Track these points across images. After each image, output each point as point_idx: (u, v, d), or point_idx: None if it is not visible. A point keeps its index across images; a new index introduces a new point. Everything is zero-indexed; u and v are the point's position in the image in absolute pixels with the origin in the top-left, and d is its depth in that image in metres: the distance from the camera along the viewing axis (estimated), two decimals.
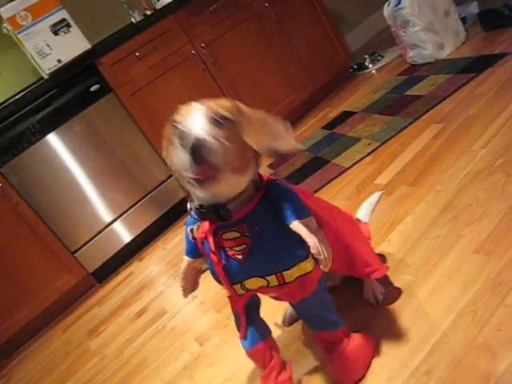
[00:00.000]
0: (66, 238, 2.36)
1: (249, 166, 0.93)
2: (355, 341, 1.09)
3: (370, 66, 3.17)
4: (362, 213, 1.49)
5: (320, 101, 3.12)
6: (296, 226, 0.93)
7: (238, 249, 0.97)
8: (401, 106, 2.29)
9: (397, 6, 2.49)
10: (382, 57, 3.17)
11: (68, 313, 2.38)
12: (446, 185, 1.55)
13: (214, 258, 0.98)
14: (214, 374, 1.39)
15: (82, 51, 2.28)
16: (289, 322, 1.38)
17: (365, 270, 1.15)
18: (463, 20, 2.65)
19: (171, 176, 2.61)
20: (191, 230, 1.02)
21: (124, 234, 2.51)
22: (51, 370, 1.98)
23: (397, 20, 2.56)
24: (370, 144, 2.13)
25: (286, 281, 0.98)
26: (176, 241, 2.44)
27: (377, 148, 2.06)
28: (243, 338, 1.11)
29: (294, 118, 3.01)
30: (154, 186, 2.58)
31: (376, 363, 1.10)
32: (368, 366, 1.10)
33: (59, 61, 2.21)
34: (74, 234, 2.38)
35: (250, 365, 1.33)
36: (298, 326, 1.37)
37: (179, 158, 0.87)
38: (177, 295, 1.94)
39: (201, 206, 0.96)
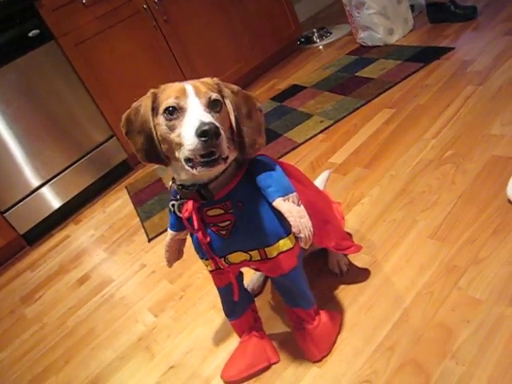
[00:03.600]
0: None
1: (231, 144, 0.93)
2: (324, 318, 1.15)
3: (318, 40, 3.20)
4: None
5: (267, 71, 3.11)
6: (278, 203, 0.95)
7: (221, 225, 0.98)
8: (352, 86, 2.36)
9: None
10: (330, 33, 3.21)
11: None
12: (400, 170, 1.65)
13: (200, 235, 0.98)
14: (174, 347, 1.39)
15: None
16: (255, 290, 1.42)
17: (342, 243, 1.21)
18: (411, 8, 2.76)
19: (112, 137, 2.48)
20: (172, 206, 1.01)
21: (59, 194, 2.36)
22: None
23: (352, 0, 2.59)
24: (322, 121, 2.18)
25: (268, 256, 1.01)
26: (117, 204, 2.35)
27: (329, 126, 2.12)
28: (238, 300, 1.12)
29: (241, 86, 2.97)
30: (92, 146, 2.43)
31: (341, 339, 1.18)
32: (334, 342, 1.17)
33: None
34: (3, 192, 2.18)
35: (212, 336, 1.35)
36: (267, 292, 1.42)
37: (184, 136, 0.83)
38: (124, 263, 1.88)
39: (182, 186, 0.95)
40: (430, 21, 2.65)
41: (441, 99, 1.94)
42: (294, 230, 0.94)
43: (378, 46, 2.66)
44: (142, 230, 2.02)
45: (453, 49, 2.28)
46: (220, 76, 3.06)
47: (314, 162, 1.94)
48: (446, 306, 1.14)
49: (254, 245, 1.00)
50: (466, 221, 1.34)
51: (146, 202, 2.20)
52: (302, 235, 0.95)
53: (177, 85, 0.89)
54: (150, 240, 1.93)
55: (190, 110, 0.84)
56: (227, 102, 0.92)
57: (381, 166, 1.72)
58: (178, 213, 0.99)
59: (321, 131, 2.11)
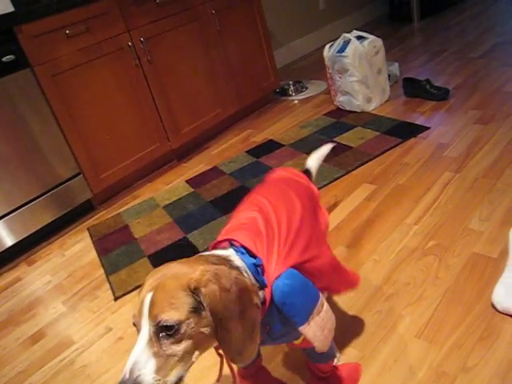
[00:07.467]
0: None
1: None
2: (344, 370, 1.21)
3: (294, 94, 3.24)
4: (312, 163, 1.64)
5: (242, 119, 3.10)
6: (303, 330, 0.96)
7: None
8: (331, 152, 2.38)
9: (340, 52, 2.59)
10: (306, 88, 3.27)
11: None
12: (383, 256, 1.67)
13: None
14: None
15: (1, 12, 1.89)
16: None
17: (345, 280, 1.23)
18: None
19: (78, 174, 2.34)
20: None
21: (14, 232, 2.16)
22: None
23: (335, 65, 2.66)
24: None
25: (295, 343, 1.06)
26: (78, 248, 2.19)
27: None
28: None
29: (215, 133, 2.94)
30: (56, 183, 2.27)
31: None
32: None
33: None
34: None
35: None
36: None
37: None
38: (87, 322, 1.74)
39: None
40: (406, 95, 2.78)
41: (420, 181, 2.01)
42: (316, 350, 0.97)
43: (355, 112, 2.73)
44: (107, 285, 1.89)
45: (428, 128, 2.39)
46: (197, 121, 3.00)
47: None
48: None
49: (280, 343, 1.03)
50: (452, 322, 1.36)
51: (111, 251, 2.07)
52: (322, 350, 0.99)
53: (143, 291, 0.80)
54: (116, 299, 1.81)
55: (136, 343, 0.76)
56: (206, 308, 0.78)
57: (363, 248, 1.74)
58: None
59: None
